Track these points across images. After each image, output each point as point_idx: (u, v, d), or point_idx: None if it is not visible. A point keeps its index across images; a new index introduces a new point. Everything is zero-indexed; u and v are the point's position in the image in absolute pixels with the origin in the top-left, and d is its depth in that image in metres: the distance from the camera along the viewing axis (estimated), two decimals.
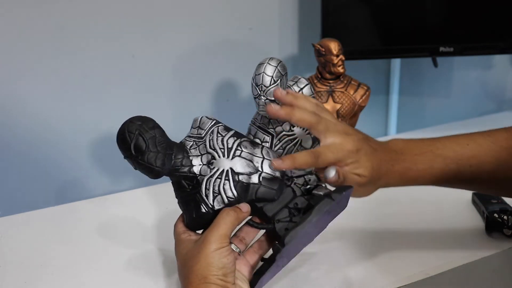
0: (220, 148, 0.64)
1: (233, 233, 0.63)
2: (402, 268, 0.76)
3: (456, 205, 0.92)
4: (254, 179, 0.63)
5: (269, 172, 0.64)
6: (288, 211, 0.63)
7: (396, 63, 1.39)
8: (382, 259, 0.78)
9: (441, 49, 1.22)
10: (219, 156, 0.63)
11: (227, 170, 0.62)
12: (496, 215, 0.82)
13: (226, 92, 1.24)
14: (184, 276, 0.59)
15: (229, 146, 0.64)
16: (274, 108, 0.60)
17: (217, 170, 0.62)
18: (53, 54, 1.05)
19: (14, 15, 1.01)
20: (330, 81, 1.00)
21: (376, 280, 0.73)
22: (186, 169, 0.62)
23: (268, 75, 0.80)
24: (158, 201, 0.99)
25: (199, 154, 0.63)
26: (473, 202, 0.92)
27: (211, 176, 0.62)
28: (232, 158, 0.63)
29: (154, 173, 0.61)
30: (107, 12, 1.08)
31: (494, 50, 1.30)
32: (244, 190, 0.62)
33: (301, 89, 0.86)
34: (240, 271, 0.63)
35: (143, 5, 1.11)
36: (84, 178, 1.15)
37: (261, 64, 0.81)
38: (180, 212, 0.66)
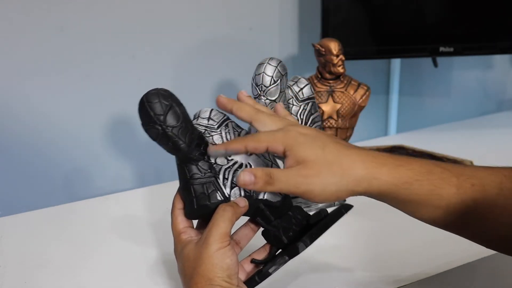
0: None
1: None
2: (402, 268, 0.76)
3: None
4: None
5: None
6: (290, 217, 0.64)
7: (396, 63, 1.39)
8: (382, 259, 0.78)
9: (441, 49, 1.22)
10: None
11: (246, 165, 0.62)
12: None
13: (226, 92, 1.23)
14: (188, 276, 0.59)
15: None
16: (222, 100, 0.61)
17: (236, 162, 0.62)
18: (54, 55, 1.05)
19: (16, 16, 1.01)
20: (330, 81, 1.00)
21: (376, 280, 0.73)
22: (206, 155, 0.61)
23: (268, 75, 0.80)
24: (158, 201, 0.99)
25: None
26: None
27: (230, 167, 0.61)
28: (250, 155, 0.63)
29: (179, 149, 0.59)
30: (108, 13, 1.08)
31: (494, 50, 1.30)
32: None
33: (301, 89, 0.86)
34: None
35: (143, 6, 1.11)
36: (84, 178, 1.15)
37: (261, 64, 0.81)
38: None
